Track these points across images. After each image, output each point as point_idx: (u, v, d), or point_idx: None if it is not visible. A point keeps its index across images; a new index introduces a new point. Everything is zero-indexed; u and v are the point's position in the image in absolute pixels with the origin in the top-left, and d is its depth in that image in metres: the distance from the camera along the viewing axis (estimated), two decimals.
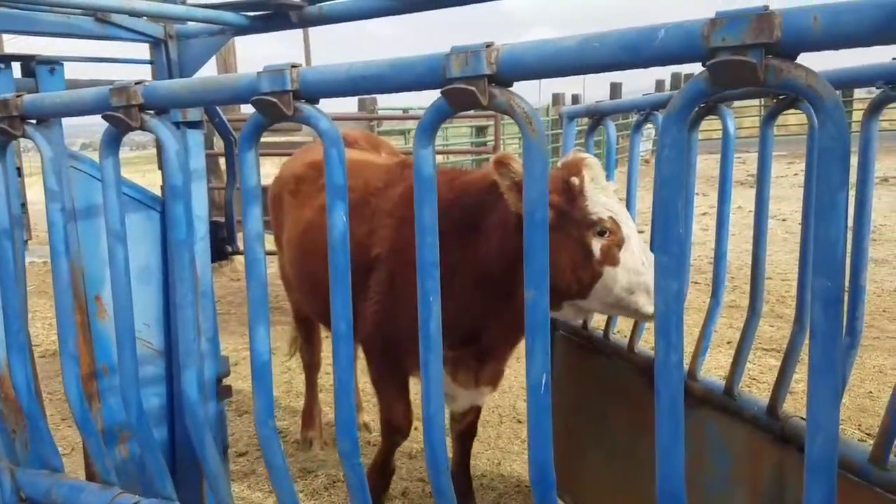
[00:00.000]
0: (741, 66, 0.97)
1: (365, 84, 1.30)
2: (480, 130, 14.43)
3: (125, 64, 2.71)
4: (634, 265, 2.41)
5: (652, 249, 1.10)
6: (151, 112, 1.53)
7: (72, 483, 1.91)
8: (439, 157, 16.47)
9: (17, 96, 1.70)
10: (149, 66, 2.82)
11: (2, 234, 1.81)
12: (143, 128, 1.54)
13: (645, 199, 3.80)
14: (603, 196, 2.50)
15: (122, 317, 1.63)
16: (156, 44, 2.49)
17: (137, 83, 1.52)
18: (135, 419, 1.67)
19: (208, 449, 1.61)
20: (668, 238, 1.06)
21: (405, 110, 16.19)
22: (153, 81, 1.55)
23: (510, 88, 1.18)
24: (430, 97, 1.27)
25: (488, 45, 1.16)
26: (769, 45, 0.97)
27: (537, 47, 1.13)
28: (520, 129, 1.16)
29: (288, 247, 3.90)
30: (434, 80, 1.21)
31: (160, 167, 7.50)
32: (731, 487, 2.33)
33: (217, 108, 2.72)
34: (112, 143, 1.61)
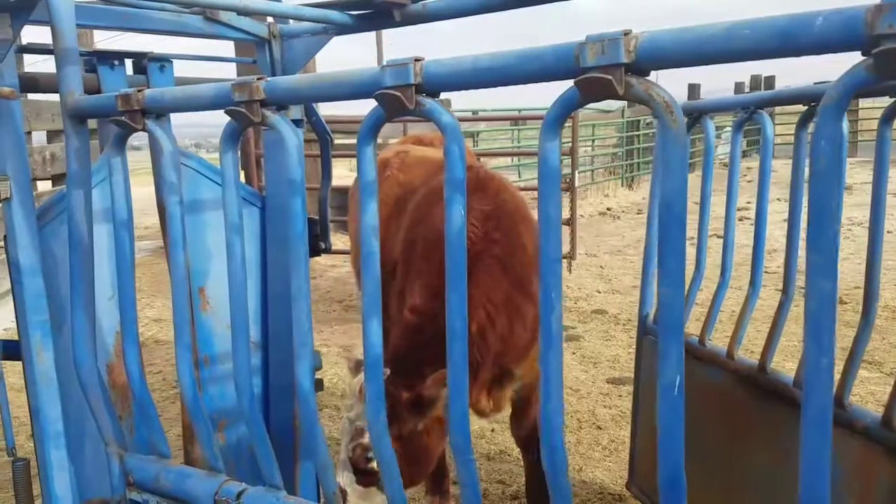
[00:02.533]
0: None
1: (490, 76, 1.28)
2: None
3: (214, 63, 2.78)
4: None
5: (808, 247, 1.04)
6: (272, 107, 1.55)
7: (179, 469, 1.96)
8: (509, 159, 16.43)
9: (139, 91, 1.75)
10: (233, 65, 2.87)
11: (120, 225, 1.87)
12: (263, 123, 1.56)
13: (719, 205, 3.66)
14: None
15: (238, 307, 1.66)
16: (260, 43, 2.54)
17: (258, 79, 1.54)
18: (247, 408, 1.69)
19: (319, 439, 1.62)
20: (822, 236, 1.01)
21: (475, 112, 16.21)
22: (274, 77, 1.58)
23: (648, 77, 1.14)
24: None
25: (626, 33, 1.12)
26: None
27: (679, 35, 1.09)
28: (658, 120, 1.13)
29: (352, 242, 3.96)
30: (565, 69, 1.19)
31: (243, 166, 7.77)
32: (841, 501, 2.22)
33: (314, 106, 2.75)
34: (232, 138, 1.64)
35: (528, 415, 3.30)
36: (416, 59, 1.35)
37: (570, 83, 1.20)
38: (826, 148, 1.01)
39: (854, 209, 11.29)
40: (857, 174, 14.70)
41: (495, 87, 1.31)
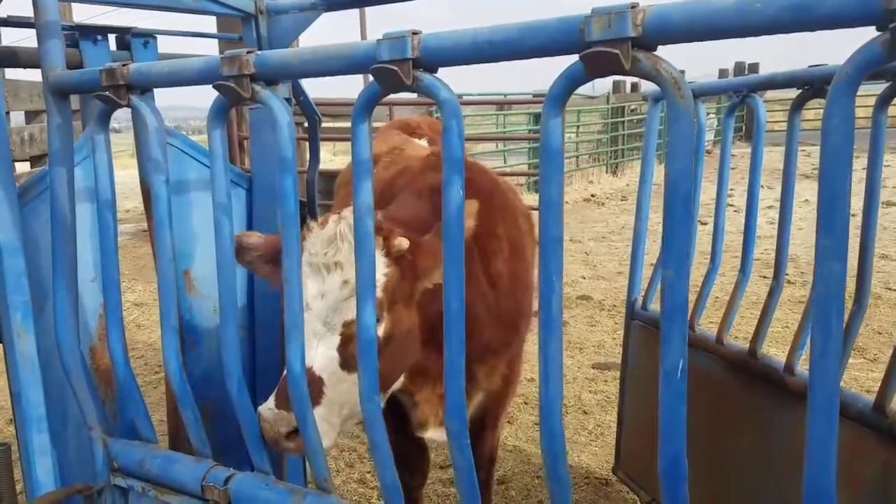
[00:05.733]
0: None
1: (492, 50, 1.24)
2: (538, 118, 14.27)
3: (197, 43, 2.71)
4: None
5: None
6: (262, 83, 1.51)
7: (165, 454, 1.91)
8: (494, 144, 16.37)
9: (124, 65, 1.69)
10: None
11: (104, 205, 1.82)
12: (253, 98, 1.51)
13: (708, 191, 3.63)
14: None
15: (226, 287, 1.62)
16: (246, 19, 2.48)
17: (248, 52, 1.50)
18: (236, 392, 1.66)
19: (310, 423, 1.59)
20: (834, 216, 0.99)
21: (459, 96, 16.09)
22: (264, 51, 1.53)
23: (655, 52, 1.11)
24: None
25: (633, 6, 1.09)
26: None
27: (689, 8, 1.06)
28: (665, 96, 1.09)
29: None
30: (570, 43, 1.15)
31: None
32: None
33: (302, 86, 2.70)
34: (221, 113, 1.59)
35: (483, 437, 2.93)
36: (414, 33, 1.31)
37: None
38: (839, 127, 0.98)
39: None
40: None
41: (496, 62, 1.27)
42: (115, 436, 2.05)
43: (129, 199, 12.81)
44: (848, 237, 1.00)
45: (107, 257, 1.84)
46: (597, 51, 1.10)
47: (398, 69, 1.30)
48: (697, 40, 1.08)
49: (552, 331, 1.27)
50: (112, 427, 2.16)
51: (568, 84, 1.18)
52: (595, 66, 1.12)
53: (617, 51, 1.09)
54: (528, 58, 1.23)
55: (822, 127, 0.99)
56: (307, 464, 2.66)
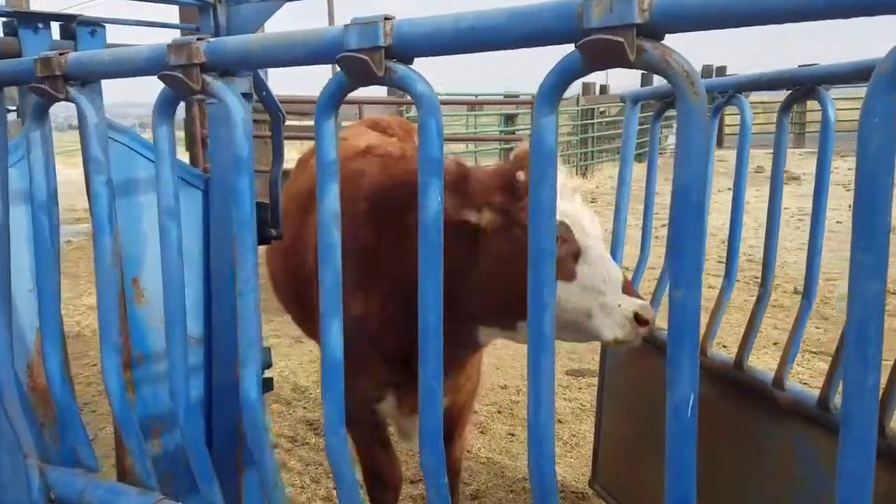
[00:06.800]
0: None
1: (476, 38, 1.09)
2: (510, 119, 14.19)
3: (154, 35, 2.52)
4: (592, 282, 2.13)
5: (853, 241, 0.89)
6: (215, 73, 1.34)
7: (108, 485, 1.73)
8: (464, 145, 16.26)
9: (61, 54, 1.51)
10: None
11: (38, 208, 1.64)
12: (204, 91, 1.35)
13: (664, 194, 3.54)
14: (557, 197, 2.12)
15: (173, 300, 1.45)
16: (203, 8, 2.30)
17: (199, 39, 1.33)
18: (183, 413, 1.49)
19: (267, 454, 1.43)
20: (873, 229, 0.86)
21: None
22: (217, 38, 1.36)
23: (663, 42, 0.97)
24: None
25: None
26: None
27: None
28: (676, 91, 0.95)
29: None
30: (566, 30, 1.01)
31: (188, 148, 7.35)
32: None
33: (265, 80, 2.52)
34: (167, 107, 1.42)
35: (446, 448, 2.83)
36: (387, 18, 1.16)
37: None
38: (880, 126, 0.85)
39: (805, 199, 11.51)
40: (808, 165, 14.97)
41: (481, 51, 1.12)
42: (54, 462, 1.86)
43: (84, 197, 12.42)
44: (888, 252, 0.87)
45: (43, 265, 1.66)
46: (597, 39, 0.96)
47: (368, 58, 1.15)
48: (713, 28, 0.95)
49: (543, 350, 1.13)
50: (51, 453, 1.97)
51: (562, 78, 1.04)
52: (594, 56, 0.98)
53: (621, 39, 0.94)
54: (516, 47, 1.08)
55: (860, 129, 0.86)
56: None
